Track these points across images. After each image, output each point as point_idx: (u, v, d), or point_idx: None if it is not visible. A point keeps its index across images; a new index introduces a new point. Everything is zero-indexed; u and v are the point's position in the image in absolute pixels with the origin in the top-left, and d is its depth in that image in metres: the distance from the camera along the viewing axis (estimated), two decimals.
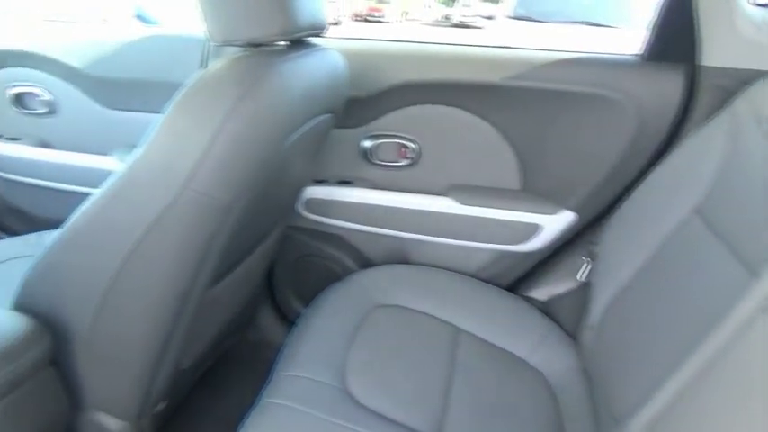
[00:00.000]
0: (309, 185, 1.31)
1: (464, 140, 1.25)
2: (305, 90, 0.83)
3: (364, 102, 1.23)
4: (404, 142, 1.28)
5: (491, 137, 1.24)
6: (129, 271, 0.77)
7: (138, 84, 1.37)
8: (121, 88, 1.39)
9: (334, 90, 0.97)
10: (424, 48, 1.23)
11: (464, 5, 18.41)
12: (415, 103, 1.23)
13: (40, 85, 1.43)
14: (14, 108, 1.46)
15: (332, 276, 1.36)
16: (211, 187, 0.71)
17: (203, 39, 1.31)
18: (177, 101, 0.72)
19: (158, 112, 0.74)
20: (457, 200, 1.26)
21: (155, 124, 0.73)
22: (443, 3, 22.97)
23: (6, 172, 1.48)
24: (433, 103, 1.23)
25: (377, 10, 19.36)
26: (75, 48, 1.40)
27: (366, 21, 18.67)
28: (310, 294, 1.21)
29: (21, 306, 0.83)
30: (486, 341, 1.09)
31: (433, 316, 1.12)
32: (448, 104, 1.23)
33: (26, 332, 0.75)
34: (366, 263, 1.38)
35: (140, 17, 6.05)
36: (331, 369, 0.92)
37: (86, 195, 0.79)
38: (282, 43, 0.87)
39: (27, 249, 1.26)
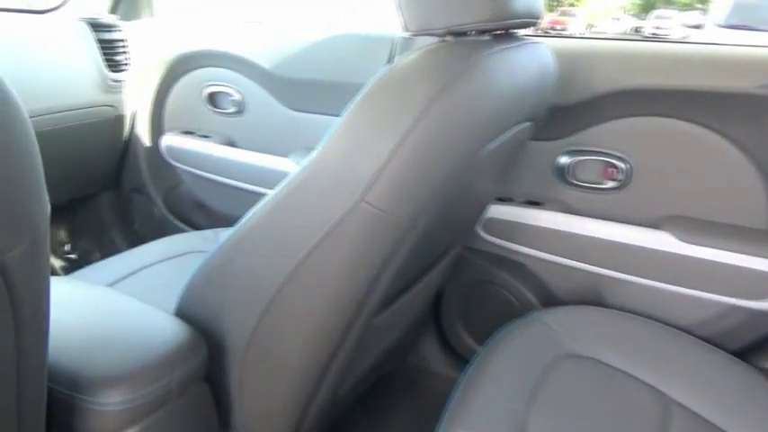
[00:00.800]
0: (492, 203, 1.15)
1: (692, 161, 1.00)
2: (511, 91, 0.68)
3: (568, 110, 1.04)
4: (611, 161, 1.06)
5: (731, 158, 0.98)
6: (293, 286, 0.68)
7: (322, 85, 1.33)
8: (305, 89, 1.36)
9: (541, 94, 0.80)
10: (653, 47, 1.01)
11: (658, 17, 16.76)
12: (632, 115, 1.01)
13: (232, 85, 1.47)
14: (208, 106, 1.52)
15: (507, 309, 1.18)
16: (390, 202, 0.59)
17: (392, 37, 1.23)
18: (358, 101, 0.61)
19: (339, 115, 0.64)
20: (676, 235, 1.01)
21: (333, 127, 0.63)
22: (635, 14, 21.28)
23: (195, 168, 1.54)
24: (656, 115, 1.00)
25: (559, 23, 18.51)
26: (266, 49, 1.41)
27: (546, 35, 17.94)
28: (480, 325, 1.05)
29: (182, 311, 0.79)
30: (705, 419, 0.84)
31: (635, 377, 0.89)
32: (674, 116, 0.99)
33: (184, 342, 0.69)
34: (550, 299, 1.18)
35: None
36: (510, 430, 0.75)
37: (263, 196, 0.72)
38: (486, 35, 0.73)
39: (203, 244, 1.27)
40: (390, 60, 1.22)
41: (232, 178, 1.49)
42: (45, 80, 1.37)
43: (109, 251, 1.81)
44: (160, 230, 1.70)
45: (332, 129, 0.63)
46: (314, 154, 0.64)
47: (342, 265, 0.65)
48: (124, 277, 1.12)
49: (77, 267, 1.85)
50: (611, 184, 1.07)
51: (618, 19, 22.40)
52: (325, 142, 0.63)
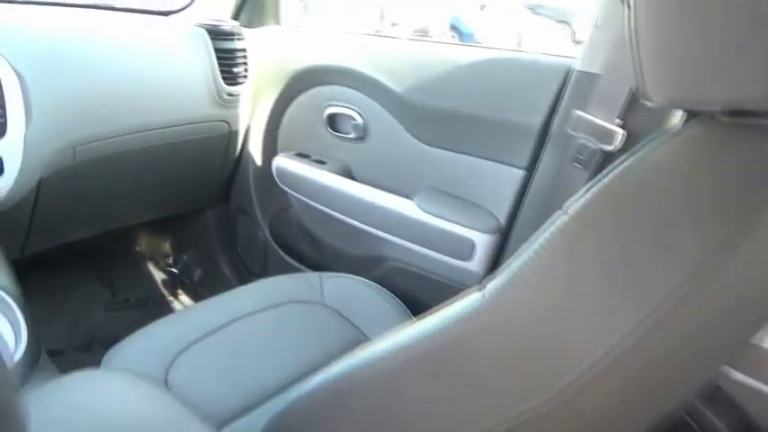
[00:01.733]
0: None
1: None
2: None
3: None
4: None
5: None
6: None
7: (465, 117, 1.09)
8: (442, 120, 1.13)
9: None
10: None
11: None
12: None
13: (355, 107, 1.27)
14: (327, 128, 1.33)
15: None
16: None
17: (568, 66, 0.96)
18: (567, 222, 0.36)
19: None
20: None
21: (516, 261, 0.38)
22: None
23: (306, 195, 1.37)
24: None
25: None
26: (400, 68, 1.19)
27: None
28: None
29: None
30: None
31: None
32: None
33: None
34: None
35: (455, 28, 6.13)
36: None
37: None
38: None
39: (305, 292, 1.08)
40: (560, 97, 0.95)
41: (344, 213, 1.29)
42: (160, 91, 1.25)
43: (209, 270, 1.71)
44: (263, 257, 1.55)
45: (517, 263, 0.39)
46: (475, 298, 0.40)
47: None
48: (209, 333, 0.95)
49: (177, 280, 1.79)
50: None
51: None
52: (513, 268, 0.39)
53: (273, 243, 1.51)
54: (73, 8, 1.31)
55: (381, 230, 1.22)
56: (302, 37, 1.40)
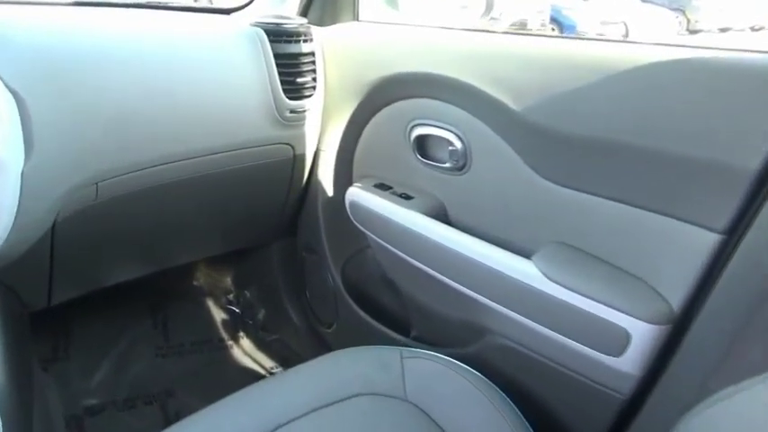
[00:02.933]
0: None
1: None
2: None
3: None
4: None
5: None
6: None
7: (620, 149, 0.73)
8: (583, 151, 0.78)
9: None
10: None
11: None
12: None
13: (453, 128, 0.94)
14: (416, 154, 1.02)
15: None
16: None
17: None
18: None
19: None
20: None
21: None
22: None
23: (386, 239, 1.06)
24: None
25: None
26: (516, 76, 0.85)
27: None
28: None
29: None
30: None
31: None
32: None
33: None
34: None
35: (555, 20, 5.65)
36: None
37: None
38: None
39: (380, 378, 0.81)
40: None
41: (434, 267, 0.98)
42: (206, 109, 0.99)
43: (274, 312, 1.46)
44: (333, 305, 1.27)
45: None
46: None
47: None
48: None
49: (238, 320, 1.56)
50: None
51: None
52: None
53: (345, 292, 1.22)
54: (108, 7, 1.08)
55: (484, 296, 0.90)
56: (386, 36, 1.09)
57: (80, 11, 1.03)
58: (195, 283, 1.55)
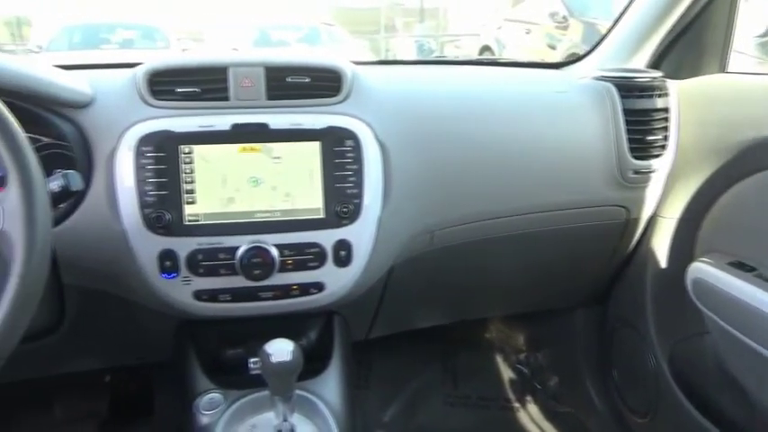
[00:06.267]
0: None
1: None
2: None
3: None
4: None
5: None
6: None
7: None
8: None
9: None
10: None
11: None
12: None
13: None
14: None
15: None
16: None
17: None
18: None
19: None
20: None
21: None
22: None
23: (735, 324, 0.87)
24: None
25: None
26: None
27: None
28: None
29: None
30: None
31: None
32: None
33: None
34: None
35: None
36: None
37: None
38: None
39: None
40: None
41: None
42: (545, 167, 0.96)
43: (569, 382, 1.35)
44: (652, 393, 1.10)
45: None
46: None
47: None
48: None
49: (527, 382, 1.48)
50: None
51: None
52: None
53: (671, 379, 1.05)
54: (449, 65, 1.14)
55: None
56: (764, 91, 0.92)
57: (424, 67, 1.11)
58: (487, 335, 1.53)
